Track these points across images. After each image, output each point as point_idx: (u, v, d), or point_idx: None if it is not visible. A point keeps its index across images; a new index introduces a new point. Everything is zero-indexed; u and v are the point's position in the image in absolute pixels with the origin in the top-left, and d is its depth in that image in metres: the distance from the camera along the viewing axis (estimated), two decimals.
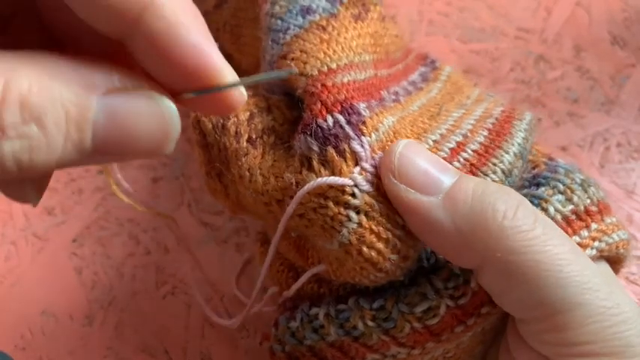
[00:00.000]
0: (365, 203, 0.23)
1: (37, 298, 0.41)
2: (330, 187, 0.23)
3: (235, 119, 0.27)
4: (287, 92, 0.28)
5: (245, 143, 0.26)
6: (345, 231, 0.23)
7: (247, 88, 0.21)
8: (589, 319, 0.21)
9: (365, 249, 0.23)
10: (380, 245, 0.23)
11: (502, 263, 0.22)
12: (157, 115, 0.18)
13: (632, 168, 0.42)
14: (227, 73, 0.19)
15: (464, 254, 0.23)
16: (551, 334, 0.22)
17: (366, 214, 0.23)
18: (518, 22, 0.48)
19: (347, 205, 0.23)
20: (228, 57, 0.33)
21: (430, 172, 0.23)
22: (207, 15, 0.19)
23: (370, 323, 0.26)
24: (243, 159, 0.26)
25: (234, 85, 0.20)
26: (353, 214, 0.23)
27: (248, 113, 0.27)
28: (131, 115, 0.18)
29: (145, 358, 0.38)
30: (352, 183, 0.23)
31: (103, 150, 0.18)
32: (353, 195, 0.23)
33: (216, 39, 0.20)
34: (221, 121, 0.27)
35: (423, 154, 0.24)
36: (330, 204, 0.23)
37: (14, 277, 0.42)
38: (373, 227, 0.23)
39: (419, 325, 0.25)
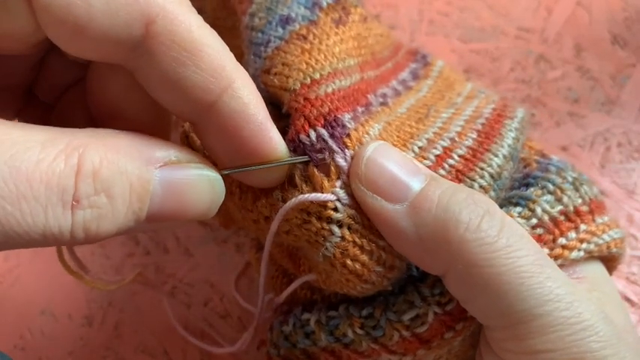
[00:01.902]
0: (347, 216, 0.23)
1: (37, 298, 0.41)
2: (312, 202, 0.23)
3: None
4: (275, 103, 0.27)
5: None
6: (328, 245, 0.23)
7: None
8: (549, 329, 0.21)
9: (349, 262, 0.23)
10: (364, 257, 0.23)
11: (464, 274, 0.22)
12: (207, 185, 0.20)
13: (632, 168, 0.42)
14: (283, 152, 0.22)
15: (428, 262, 0.23)
16: (513, 342, 0.22)
17: (349, 228, 0.23)
18: (518, 22, 0.48)
19: (329, 220, 0.23)
20: None
21: (397, 179, 0.23)
22: None
23: (359, 331, 0.26)
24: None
25: (264, 166, 0.22)
26: (335, 229, 0.23)
27: None
28: (185, 186, 0.19)
29: (145, 359, 0.38)
30: (334, 198, 0.23)
31: (155, 218, 0.19)
32: (335, 209, 0.23)
33: None
34: None
35: (393, 158, 0.24)
36: (313, 219, 0.23)
37: (13, 277, 0.42)
38: (356, 240, 0.23)
39: (407, 334, 0.25)
